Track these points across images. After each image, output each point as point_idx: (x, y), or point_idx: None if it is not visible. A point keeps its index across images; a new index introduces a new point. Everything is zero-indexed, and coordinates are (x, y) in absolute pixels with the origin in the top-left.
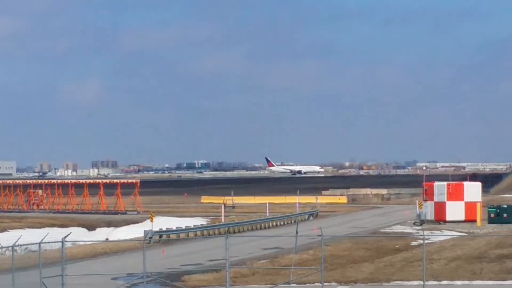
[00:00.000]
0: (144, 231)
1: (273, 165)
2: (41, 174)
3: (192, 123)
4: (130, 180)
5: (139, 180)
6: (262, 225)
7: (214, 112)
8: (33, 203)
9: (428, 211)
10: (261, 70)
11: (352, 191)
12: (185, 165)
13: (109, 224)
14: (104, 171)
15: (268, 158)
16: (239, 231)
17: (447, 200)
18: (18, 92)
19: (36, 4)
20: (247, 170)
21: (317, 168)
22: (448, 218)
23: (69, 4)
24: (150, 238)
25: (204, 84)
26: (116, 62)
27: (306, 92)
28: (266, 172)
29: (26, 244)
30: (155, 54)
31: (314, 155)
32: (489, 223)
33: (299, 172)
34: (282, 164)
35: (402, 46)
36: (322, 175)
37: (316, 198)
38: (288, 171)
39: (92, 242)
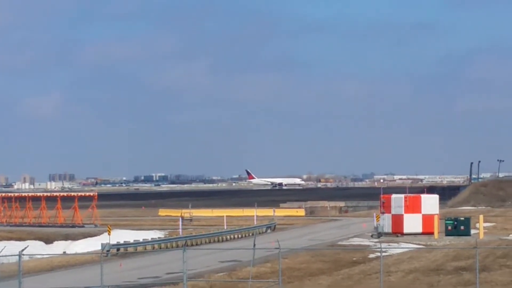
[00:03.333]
0: (102, 244)
1: (253, 178)
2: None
3: (150, 136)
4: (87, 193)
5: (96, 193)
6: (220, 238)
7: (172, 125)
8: None
9: (386, 223)
10: (223, 83)
11: (310, 203)
12: (142, 178)
13: (66, 237)
14: (61, 184)
15: (249, 171)
16: (196, 244)
17: (405, 212)
18: None
19: None
20: (204, 183)
21: (298, 181)
22: (405, 230)
23: (30, 17)
24: (108, 251)
25: (163, 97)
26: (76, 75)
27: (266, 105)
28: (244, 184)
29: None
30: (116, 67)
31: (272, 168)
32: (446, 235)
33: (280, 184)
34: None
35: (362, 59)
36: (302, 187)
37: (274, 211)
38: (269, 183)
39: (49, 256)
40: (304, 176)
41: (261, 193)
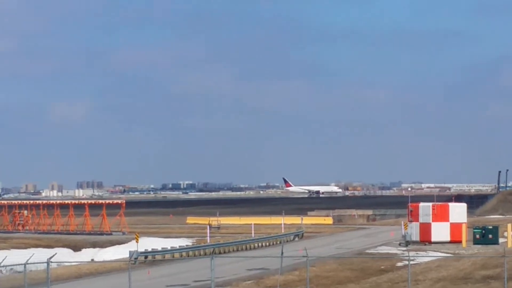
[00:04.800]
0: (130, 251)
1: (290, 185)
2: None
3: (178, 143)
4: (115, 201)
5: (124, 201)
6: (248, 246)
7: (200, 132)
8: (19, 224)
9: (414, 232)
10: (250, 90)
11: (338, 211)
12: (170, 185)
13: (94, 245)
14: (90, 191)
15: (286, 179)
16: (224, 252)
17: (433, 221)
18: (4, 111)
19: (25, 24)
20: (232, 191)
21: (335, 188)
22: (433, 239)
23: (59, 25)
24: (136, 259)
25: (191, 105)
26: (104, 82)
27: (293, 113)
28: (279, 192)
29: (11, 265)
30: (143, 75)
31: (300, 176)
32: (474, 244)
33: (317, 192)
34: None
35: (390, 67)
36: (341, 194)
37: (302, 219)
38: (306, 191)
39: (77, 263)
40: (332, 184)
41: (288, 201)
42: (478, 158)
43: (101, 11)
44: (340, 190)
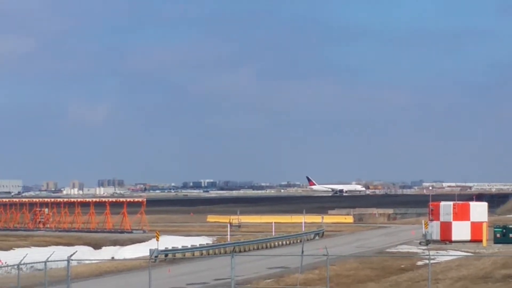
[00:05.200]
0: (150, 250)
1: (314, 184)
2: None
3: (198, 142)
4: (136, 199)
5: (145, 199)
6: (268, 244)
7: (221, 131)
8: (39, 222)
9: (434, 231)
10: (271, 90)
11: (358, 210)
12: (191, 184)
13: (115, 243)
14: (112, 189)
15: (310, 177)
16: (244, 250)
17: (453, 220)
18: (26, 110)
19: (44, 26)
20: (253, 189)
21: (359, 187)
22: (454, 238)
23: (80, 25)
24: (156, 257)
25: (212, 103)
26: (125, 81)
27: (312, 112)
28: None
29: (32, 263)
30: (163, 74)
31: (321, 175)
32: (495, 243)
33: (341, 191)
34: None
35: (411, 66)
36: (364, 193)
37: (322, 218)
38: (330, 190)
39: (98, 261)
40: (353, 183)
41: (309, 200)
42: (500, 157)
43: (123, 11)
44: (363, 188)
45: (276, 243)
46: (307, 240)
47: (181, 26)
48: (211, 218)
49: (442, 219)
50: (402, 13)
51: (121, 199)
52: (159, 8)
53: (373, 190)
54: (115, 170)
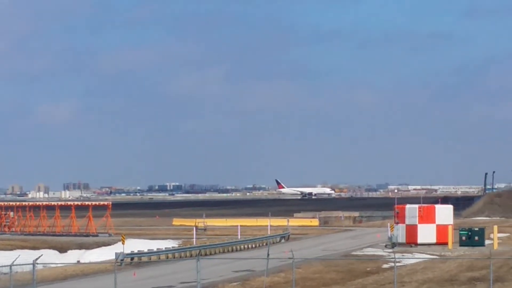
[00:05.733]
0: (116, 253)
1: (283, 187)
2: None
3: (164, 145)
4: (101, 202)
5: (110, 202)
6: (234, 247)
7: (186, 134)
8: (5, 225)
9: (400, 233)
10: (237, 91)
11: (324, 213)
12: (157, 187)
13: (80, 246)
14: (77, 193)
15: (278, 180)
16: (210, 254)
17: (419, 222)
18: None
19: (12, 25)
20: (218, 193)
21: (328, 190)
22: (419, 241)
23: (45, 25)
24: (122, 260)
25: (177, 106)
26: (91, 82)
27: (280, 114)
28: (265, 193)
29: None
30: (130, 75)
31: (287, 178)
32: (460, 245)
33: (310, 194)
34: (254, 187)
35: (376, 68)
36: (335, 196)
37: (288, 221)
38: (299, 192)
39: (63, 265)
40: (319, 186)
41: (275, 203)
42: (465, 160)
43: (92, 11)
44: (332, 191)
45: (242, 246)
46: (273, 243)
47: (150, 27)
48: (177, 222)
49: (407, 222)
50: (370, 15)
51: (87, 203)
52: (127, 9)
53: (339, 193)
54: (80, 173)
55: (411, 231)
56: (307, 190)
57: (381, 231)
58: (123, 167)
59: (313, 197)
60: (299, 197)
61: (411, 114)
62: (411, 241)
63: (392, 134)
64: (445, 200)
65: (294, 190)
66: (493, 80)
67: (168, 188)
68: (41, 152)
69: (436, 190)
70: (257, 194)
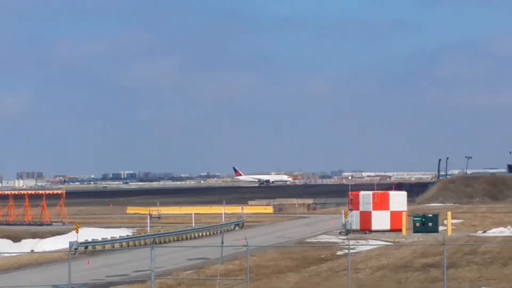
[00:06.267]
0: (70, 242)
1: (240, 175)
2: None
3: (118, 134)
4: (55, 191)
5: (64, 191)
6: (188, 235)
7: (140, 123)
8: None
9: (354, 220)
10: (192, 81)
11: (278, 201)
12: (110, 175)
13: (34, 236)
14: (31, 182)
15: (236, 168)
16: (165, 242)
17: (373, 209)
18: None
19: None
20: (173, 181)
21: (285, 177)
22: (373, 227)
23: None
24: (76, 249)
25: (131, 95)
26: (45, 72)
27: (234, 103)
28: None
29: None
30: (84, 65)
31: (240, 165)
32: (414, 232)
33: (267, 181)
34: (208, 175)
35: (332, 56)
36: (290, 183)
37: (242, 208)
38: (256, 180)
39: (17, 254)
40: (273, 173)
41: (229, 191)
42: (419, 147)
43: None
44: (290, 178)
45: (196, 234)
46: (227, 231)
47: (102, 16)
48: (131, 210)
49: (361, 208)
50: (324, 2)
51: (40, 191)
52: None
53: (293, 181)
54: (34, 162)
55: (365, 217)
56: (264, 177)
57: (335, 218)
58: (77, 156)
59: (271, 184)
60: (256, 185)
61: (365, 101)
62: (365, 228)
63: (346, 122)
64: (399, 186)
65: (252, 178)
66: (446, 68)
67: (122, 176)
68: None
69: (390, 177)
70: (211, 182)
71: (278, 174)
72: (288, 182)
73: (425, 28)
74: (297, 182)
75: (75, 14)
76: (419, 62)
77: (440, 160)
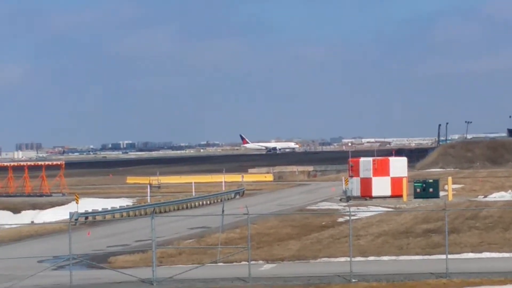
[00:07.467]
0: (70, 213)
1: (247, 142)
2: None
3: (117, 103)
4: (55, 162)
5: (64, 162)
6: (188, 204)
7: (139, 92)
8: None
9: (354, 187)
10: (189, 49)
11: (278, 168)
12: (110, 145)
13: (34, 207)
14: (31, 153)
15: (243, 136)
16: (165, 211)
17: (373, 175)
18: None
19: None
20: (172, 150)
21: (292, 144)
22: (374, 193)
23: None
24: (76, 220)
25: (129, 64)
26: (41, 43)
27: (232, 71)
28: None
29: None
30: (81, 35)
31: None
32: (415, 198)
33: (274, 149)
34: (208, 144)
35: (330, 24)
36: (298, 151)
37: (242, 177)
38: (263, 147)
39: (17, 225)
40: (273, 141)
41: (228, 159)
42: (418, 112)
43: None
44: (296, 146)
45: (196, 203)
46: (228, 199)
47: None
48: (131, 180)
49: (362, 175)
50: None
51: (40, 163)
52: None
53: (300, 148)
54: (33, 133)
55: (366, 184)
56: (271, 145)
57: (336, 185)
58: (76, 127)
59: (278, 151)
60: (264, 152)
61: (364, 68)
62: (366, 194)
63: (345, 88)
64: (399, 152)
65: (259, 145)
66: (443, 33)
67: (122, 146)
68: None
69: (390, 143)
70: (211, 151)
71: (278, 141)
72: (295, 149)
73: None
74: (296, 149)
75: None
76: (415, 27)
77: (440, 125)
